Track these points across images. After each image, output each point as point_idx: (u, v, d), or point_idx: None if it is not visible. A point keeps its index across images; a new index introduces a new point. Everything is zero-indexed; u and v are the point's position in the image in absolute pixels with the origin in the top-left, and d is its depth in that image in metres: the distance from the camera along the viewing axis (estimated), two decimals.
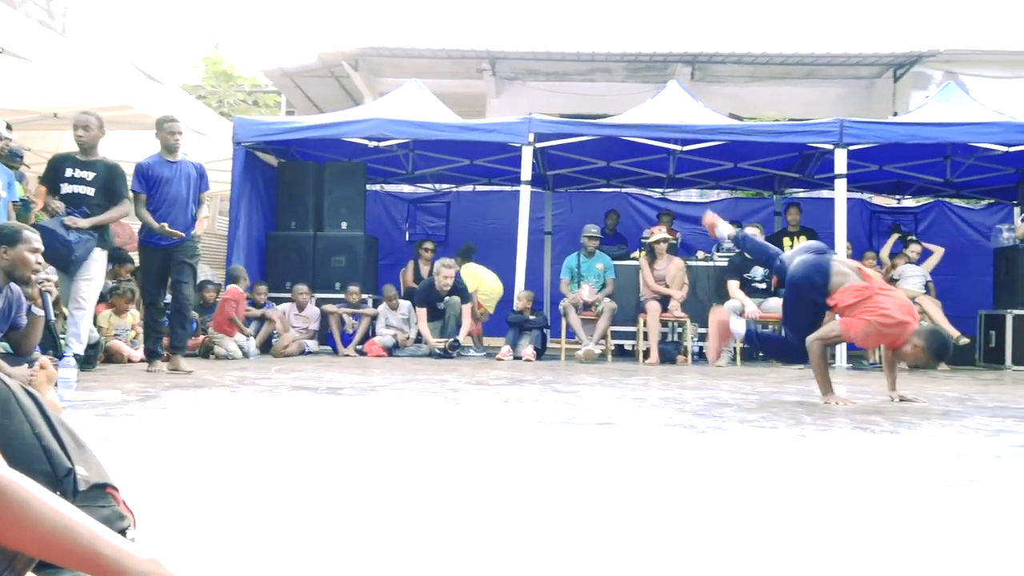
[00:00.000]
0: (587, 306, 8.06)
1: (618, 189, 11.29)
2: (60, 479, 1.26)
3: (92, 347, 5.41)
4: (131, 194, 5.46)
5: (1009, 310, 8.21)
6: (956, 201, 11.05)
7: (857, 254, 8.84)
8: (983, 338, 8.68)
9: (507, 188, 10.68)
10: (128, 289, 6.56)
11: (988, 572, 1.41)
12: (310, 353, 7.95)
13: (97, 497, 1.31)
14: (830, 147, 8.11)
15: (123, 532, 1.32)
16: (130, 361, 6.21)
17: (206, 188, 5.78)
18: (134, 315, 6.54)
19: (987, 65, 13.28)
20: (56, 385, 3.18)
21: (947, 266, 10.00)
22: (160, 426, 2.97)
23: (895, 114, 11.94)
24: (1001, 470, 2.39)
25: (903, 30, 13.57)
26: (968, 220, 10.79)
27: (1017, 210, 9.72)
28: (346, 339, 8.19)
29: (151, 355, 5.51)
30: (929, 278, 8.54)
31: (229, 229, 8.71)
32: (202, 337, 7.29)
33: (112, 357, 6.14)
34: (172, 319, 5.61)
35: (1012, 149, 8.49)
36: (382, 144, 9.25)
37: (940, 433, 3.16)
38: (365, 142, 9.13)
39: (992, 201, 10.94)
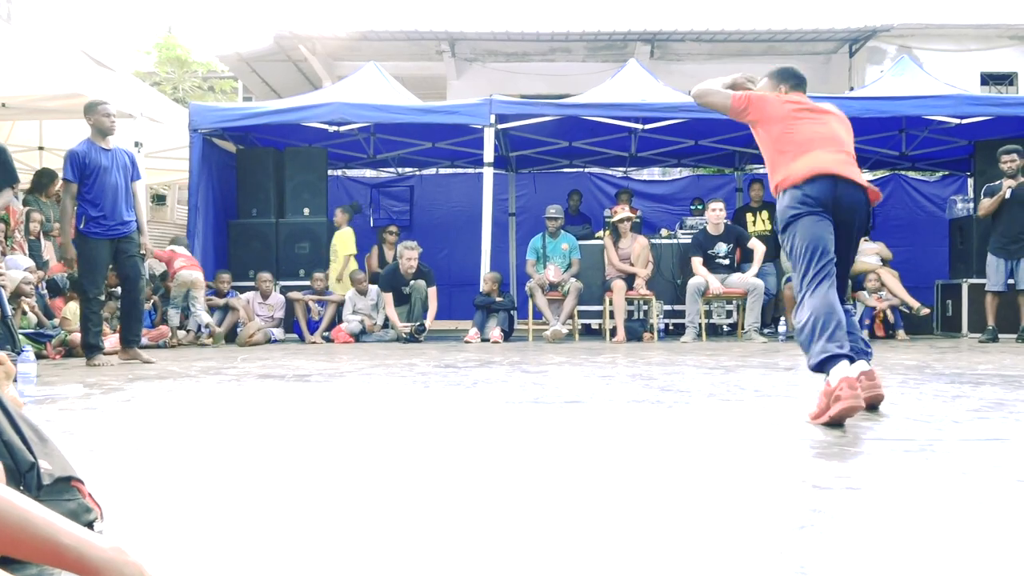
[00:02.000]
0: (553, 286, 8.09)
1: (581, 169, 11.32)
2: (23, 474, 1.24)
3: None
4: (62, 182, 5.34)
5: (964, 279, 8.41)
6: (911, 174, 11.25)
7: None
8: (940, 307, 8.88)
9: (470, 170, 10.66)
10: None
11: (947, 534, 1.45)
12: (276, 341, 7.89)
13: (62, 491, 1.29)
14: None
15: (90, 524, 1.30)
16: None
17: (138, 177, 5.69)
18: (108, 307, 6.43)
19: (938, 39, 13.53)
20: (16, 380, 3.12)
21: (905, 238, 10.21)
22: (125, 418, 2.93)
23: (851, 88, 12.10)
24: (958, 434, 2.45)
25: (857, 5, 13.73)
26: (924, 192, 11.00)
27: (971, 183, 9.93)
28: (312, 326, 8.14)
29: (93, 349, 5.37)
30: (888, 253, 8.67)
31: (188, 218, 8.58)
32: (163, 327, 7.21)
33: (73, 351, 6.02)
34: (127, 313, 5.57)
35: (964, 121, 8.67)
36: (342, 128, 9.15)
37: (900, 400, 3.24)
38: (325, 127, 9.03)
39: (946, 173, 11.16)
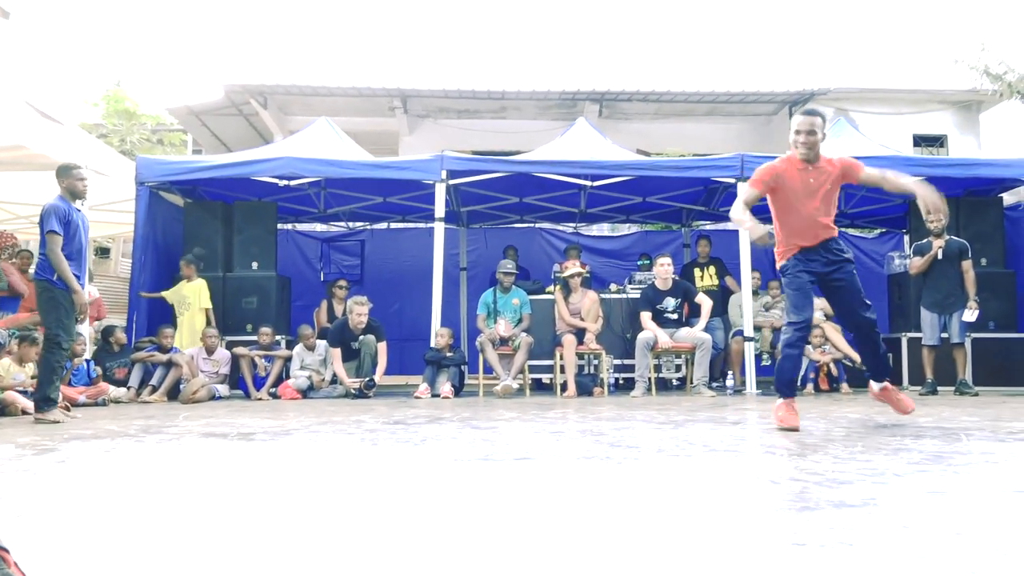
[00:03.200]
0: (504, 341, 8.09)
1: (532, 224, 11.44)
2: None
3: None
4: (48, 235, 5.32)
5: (903, 333, 8.64)
6: (851, 230, 11.62)
7: (764, 283, 9.18)
8: None
9: (421, 225, 10.70)
10: (35, 338, 6.26)
11: None
12: (220, 398, 7.71)
13: None
14: (733, 181, 8.44)
15: None
16: (24, 413, 5.87)
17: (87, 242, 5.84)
18: (32, 365, 6.24)
19: (873, 102, 14.14)
20: None
21: None
22: (58, 481, 2.82)
23: None
24: (900, 488, 2.50)
25: (797, 70, 14.34)
26: (863, 248, 11.35)
27: (907, 239, 10.29)
28: (258, 382, 7.98)
29: (50, 403, 5.25)
30: (830, 309, 8.88)
31: (132, 272, 8.41)
32: (102, 384, 7.02)
33: (5, 409, 5.80)
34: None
35: None
36: (293, 183, 9.13)
37: (843, 454, 3.29)
38: (276, 181, 9.00)
39: (883, 230, 11.56)
